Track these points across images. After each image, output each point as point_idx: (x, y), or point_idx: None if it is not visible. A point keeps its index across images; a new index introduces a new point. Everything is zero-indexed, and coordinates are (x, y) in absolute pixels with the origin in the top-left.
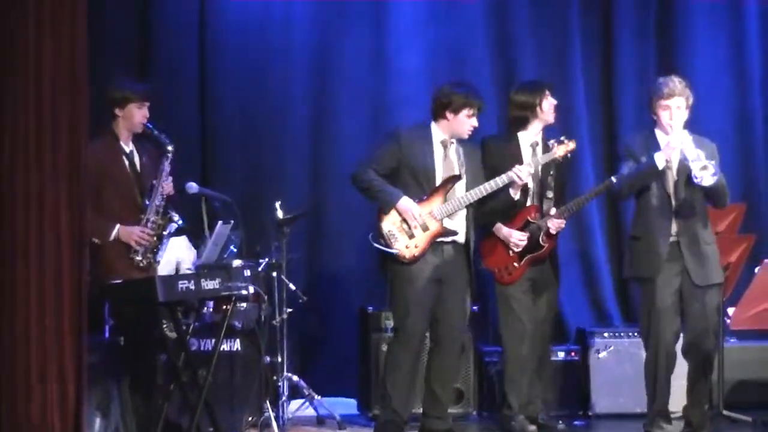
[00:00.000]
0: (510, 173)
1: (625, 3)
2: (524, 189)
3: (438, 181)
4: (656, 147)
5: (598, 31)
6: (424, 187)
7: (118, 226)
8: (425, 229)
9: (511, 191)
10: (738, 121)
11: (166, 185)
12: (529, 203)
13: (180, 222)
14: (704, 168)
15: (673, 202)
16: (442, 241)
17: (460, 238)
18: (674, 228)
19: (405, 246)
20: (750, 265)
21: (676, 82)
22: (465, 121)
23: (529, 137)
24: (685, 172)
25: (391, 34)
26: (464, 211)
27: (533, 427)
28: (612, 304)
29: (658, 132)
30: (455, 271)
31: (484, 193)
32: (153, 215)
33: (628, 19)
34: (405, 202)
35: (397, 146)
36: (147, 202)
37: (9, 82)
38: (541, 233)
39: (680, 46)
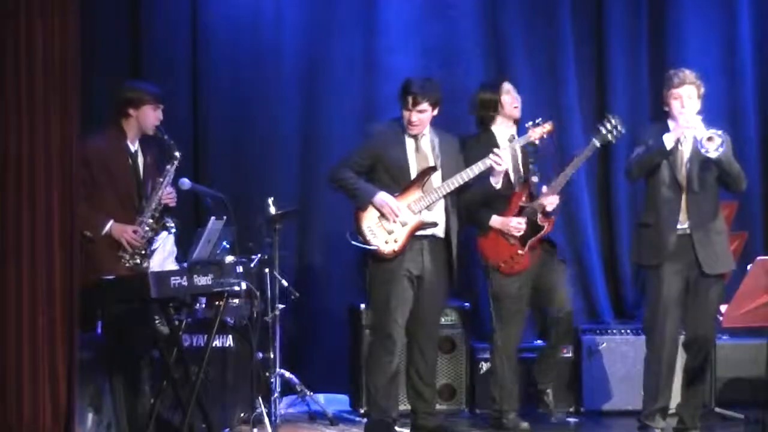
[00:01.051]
0: (487, 159)
1: (616, 2)
2: (507, 180)
3: (413, 175)
4: None
5: (590, 30)
6: (399, 182)
7: (111, 221)
8: (404, 223)
9: (492, 180)
10: (730, 120)
11: (167, 193)
12: (516, 189)
13: (174, 230)
14: (710, 139)
15: (685, 190)
16: (421, 235)
17: (440, 231)
18: (685, 216)
19: (384, 242)
20: (742, 262)
21: (686, 73)
22: (405, 115)
23: (503, 132)
24: (697, 159)
25: (381, 34)
26: (442, 203)
27: (525, 424)
28: (604, 302)
29: (670, 123)
30: (434, 266)
31: (461, 182)
32: (148, 218)
33: (620, 18)
34: (381, 197)
35: (370, 143)
36: (145, 204)
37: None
38: (538, 214)
39: (672, 46)
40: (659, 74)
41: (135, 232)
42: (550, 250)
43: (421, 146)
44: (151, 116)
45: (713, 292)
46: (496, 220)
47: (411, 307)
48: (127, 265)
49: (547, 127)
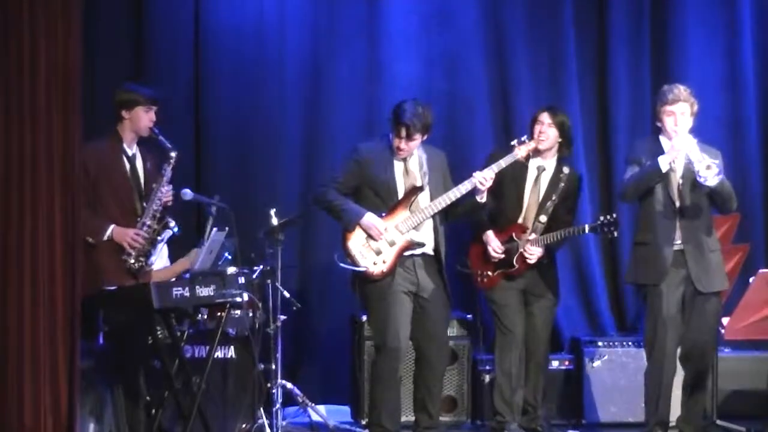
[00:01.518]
0: (472, 179)
1: (619, 13)
2: (520, 204)
3: (400, 195)
4: (661, 153)
5: (593, 41)
6: (386, 202)
7: (112, 226)
8: (392, 244)
9: (477, 197)
10: (731, 131)
11: (166, 192)
12: (521, 220)
13: (176, 230)
14: (708, 168)
15: (678, 208)
16: (411, 254)
17: (429, 249)
18: (679, 234)
19: (373, 263)
20: (744, 275)
21: (681, 89)
22: (395, 141)
23: (535, 161)
24: (690, 177)
25: (385, 43)
26: (431, 222)
27: None
28: (606, 313)
29: (662, 138)
30: (430, 282)
31: (448, 202)
32: (149, 220)
33: (623, 29)
34: (368, 219)
35: (356, 164)
36: (145, 206)
37: (2, 83)
38: (517, 254)
39: (674, 57)
40: (661, 83)
41: (137, 234)
42: (540, 286)
43: (409, 166)
44: (143, 118)
45: (710, 307)
46: (486, 234)
47: (417, 321)
48: (132, 269)
49: (532, 144)
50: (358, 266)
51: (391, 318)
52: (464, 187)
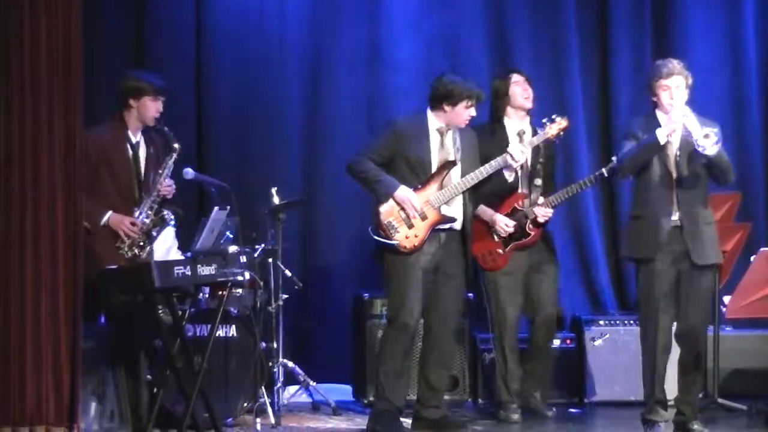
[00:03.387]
0: (504, 155)
1: None
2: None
3: (434, 169)
4: (658, 127)
5: (594, 22)
6: (420, 176)
7: (110, 212)
8: (423, 218)
9: (506, 173)
10: (733, 110)
11: (166, 185)
12: (519, 189)
13: (173, 222)
14: (707, 136)
15: (675, 180)
16: (439, 229)
17: (457, 225)
18: (675, 207)
19: (405, 236)
20: (746, 253)
21: (674, 63)
22: (462, 112)
23: (514, 125)
24: (687, 149)
25: (386, 25)
26: (461, 198)
27: (516, 416)
28: (607, 291)
29: (659, 113)
30: (451, 259)
31: (480, 178)
32: (146, 210)
33: (624, 10)
34: (402, 192)
35: (393, 136)
36: (144, 196)
37: (4, 72)
38: (528, 221)
39: (676, 37)
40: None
41: (133, 223)
42: (544, 254)
43: (446, 141)
44: (150, 108)
45: (705, 282)
46: (485, 212)
47: (430, 299)
48: (126, 256)
49: (564, 123)
50: (391, 239)
51: (410, 295)
52: (496, 163)
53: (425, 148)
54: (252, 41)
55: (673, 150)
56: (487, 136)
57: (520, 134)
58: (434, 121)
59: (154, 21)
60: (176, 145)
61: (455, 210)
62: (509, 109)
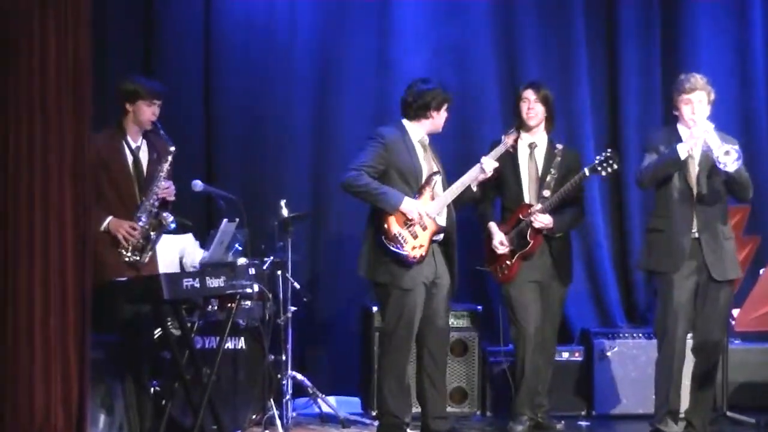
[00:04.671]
0: (478, 165)
1: (629, 4)
2: (519, 184)
3: (423, 180)
4: (678, 141)
5: (603, 32)
6: (412, 187)
7: (110, 217)
8: (424, 228)
9: (472, 185)
10: (742, 123)
11: (164, 187)
12: (527, 200)
13: (173, 226)
14: (727, 153)
15: (695, 196)
16: (435, 240)
17: (439, 235)
18: (695, 223)
19: (413, 247)
20: (755, 266)
21: (697, 78)
22: (443, 116)
23: (526, 138)
24: (707, 164)
25: (395, 35)
26: (446, 207)
27: (520, 428)
28: (616, 305)
29: (680, 127)
30: (443, 269)
31: (463, 187)
32: (145, 214)
33: (633, 20)
34: (409, 203)
35: (384, 148)
36: (144, 200)
37: (12, 81)
38: (528, 230)
39: (684, 48)
40: (671, 76)
41: (131, 227)
42: (553, 273)
43: (428, 151)
44: (146, 111)
45: (723, 297)
46: (490, 227)
47: (424, 310)
48: (127, 260)
49: (514, 134)
50: (402, 250)
51: (409, 309)
52: (474, 172)
53: (414, 159)
54: (261, 52)
55: (694, 165)
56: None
57: (532, 147)
58: (415, 131)
59: (163, 30)
60: (172, 148)
61: (442, 219)
62: (522, 124)
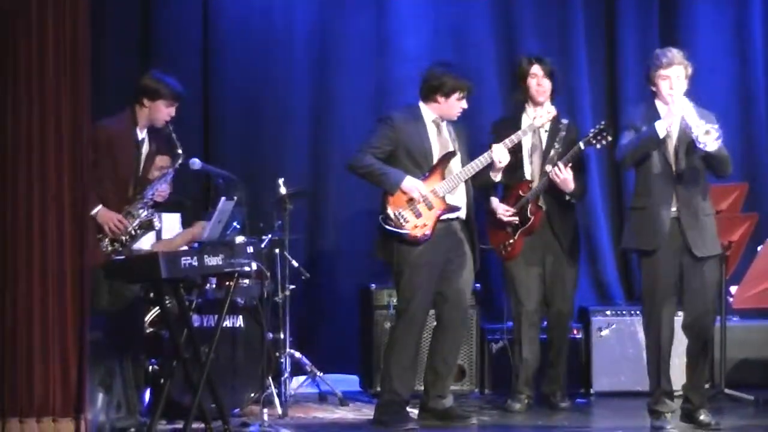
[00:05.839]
0: (489, 152)
1: None
2: (520, 160)
3: (435, 160)
4: (657, 118)
5: (601, 10)
6: (422, 167)
7: (100, 206)
8: (430, 207)
9: (492, 174)
10: (740, 101)
11: (161, 190)
12: (528, 176)
13: (158, 228)
14: (707, 132)
15: (675, 173)
16: (447, 219)
17: (462, 214)
18: (675, 199)
19: (414, 226)
20: (753, 244)
21: (674, 52)
22: (455, 104)
23: (531, 116)
24: (686, 141)
25: (393, 16)
26: (463, 187)
27: (518, 405)
28: (614, 282)
29: (658, 103)
30: (460, 248)
31: (479, 167)
32: (136, 210)
33: (631, 1)
34: (410, 182)
35: (391, 129)
36: (138, 196)
37: (11, 68)
38: (529, 206)
39: (683, 29)
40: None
41: (119, 221)
42: (559, 253)
43: (443, 131)
44: (163, 111)
45: (708, 272)
46: (490, 202)
47: (440, 289)
48: (105, 250)
49: (552, 111)
50: (401, 230)
51: (420, 286)
52: (485, 158)
53: (425, 139)
54: (259, 32)
55: (673, 142)
56: (510, 127)
57: (534, 126)
58: (429, 113)
59: (161, 14)
60: (180, 151)
61: (459, 199)
62: (527, 101)
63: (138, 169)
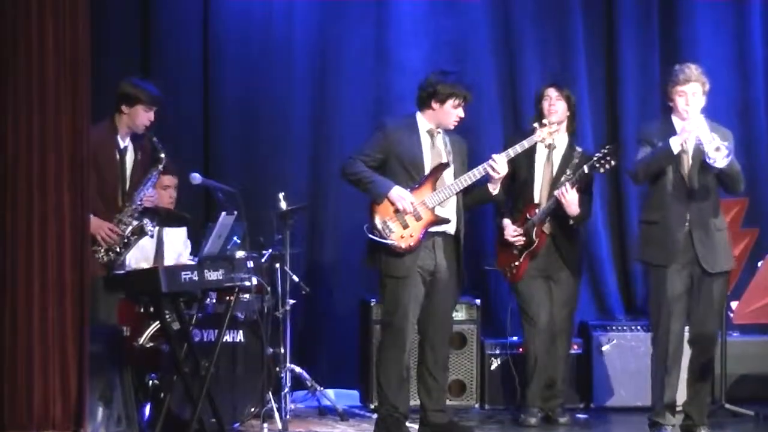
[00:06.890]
0: (487, 163)
1: None
2: (532, 184)
3: (427, 170)
4: (673, 133)
5: (601, 24)
6: (413, 177)
7: (91, 216)
8: (418, 218)
9: (490, 186)
10: (740, 114)
11: (149, 195)
12: (537, 200)
13: (152, 232)
14: (717, 149)
15: (689, 189)
16: (434, 232)
17: (451, 228)
18: (688, 216)
19: (400, 236)
20: (753, 259)
21: (692, 69)
22: (451, 112)
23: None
24: (700, 157)
25: (392, 28)
26: (454, 200)
27: (533, 420)
28: (615, 297)
29: (674, 118)
30: (447, 262)
31: (472, 180)
32: (127, 217)
33: (632, 12)
34: (397, 191)
35: (384, 138)
36: (127, 203)
37: (12, 73)
38: (534, 229)
39: (683, 39)
40: (670, 66)
41: (111, 230)
42: (559, 272)
43: (436, 143)
44: (142, 116)
45: (717, 289)
46: (505, 222)
47: (423, 303)
48: (101, 261)
49: (555, 126)
50: (386, 239)
51: (403, 298)
52: (482, 169)
53: (417, 149)
54: (259, 44)
55: (688, 158)
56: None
57: (550, 148)
58: (424, 122)
59: (161, 23)
60: (162, 156)
61: (449, 212)
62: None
63: (124, 177)
